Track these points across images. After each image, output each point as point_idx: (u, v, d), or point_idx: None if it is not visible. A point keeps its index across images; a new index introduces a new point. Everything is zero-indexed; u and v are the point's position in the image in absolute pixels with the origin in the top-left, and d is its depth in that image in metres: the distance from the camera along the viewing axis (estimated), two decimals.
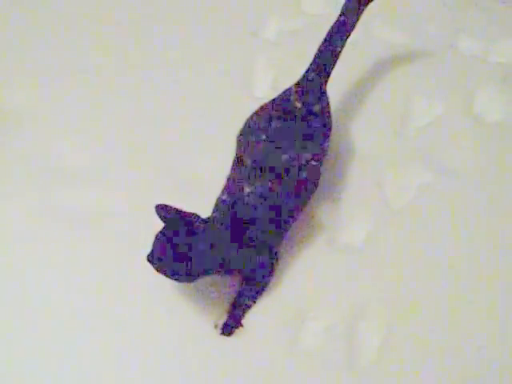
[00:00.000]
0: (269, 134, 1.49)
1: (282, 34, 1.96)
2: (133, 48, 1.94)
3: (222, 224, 1.39)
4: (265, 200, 1.43)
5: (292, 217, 1.48)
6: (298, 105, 1.54)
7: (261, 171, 1.45)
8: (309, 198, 1.52)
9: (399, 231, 1.56)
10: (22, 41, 1.96)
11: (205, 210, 1.47)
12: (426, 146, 1.70)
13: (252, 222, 1.42)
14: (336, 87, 1.80)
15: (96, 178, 1.67)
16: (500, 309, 1.44)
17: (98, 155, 1.71)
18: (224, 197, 1.45)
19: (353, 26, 1.64)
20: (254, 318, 1.45)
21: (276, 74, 1.87)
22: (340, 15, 1.64)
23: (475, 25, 1.95)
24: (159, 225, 1.41)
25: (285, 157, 1.47)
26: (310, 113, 1.53)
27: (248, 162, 1.47)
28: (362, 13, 1.66)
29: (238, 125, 1.59)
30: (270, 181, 1.44)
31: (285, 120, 1.51)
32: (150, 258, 1.36)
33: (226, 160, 1.56)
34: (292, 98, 1.55)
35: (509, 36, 1.92)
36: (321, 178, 1.54)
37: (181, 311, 1.46)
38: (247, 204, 1.42)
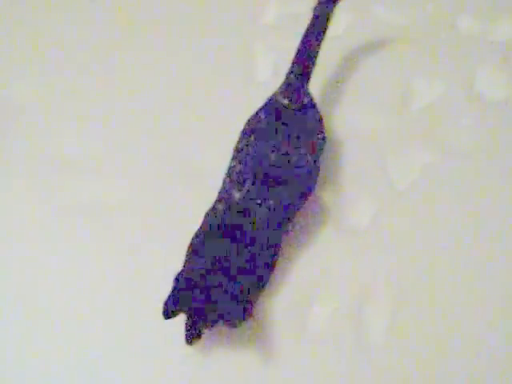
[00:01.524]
0: (257, 134, 1.45)
1: (281, 17, 1.96)
2: (132, 36, 1.94)
3: (217, 234, 1.34)
4: (260, 203, 1.38)
5: (292, 216, 1.44)
6: (285, 101, 1.50)
7: (252, 175, 1.40)
8: (309, 193, 1.48)
9: (404, 212, 1.57)
10: (24, 37, 1.97)
11: (206, 200, 1.48)
12: (427, 126, 1.70)
13: (247, 226, 1.36)
14: (335, 70, 1.80)
15: (98, 169, 1.68)
16: (508, 290, 1.45)
17: (100, 147, 1.72)
18: (216, 205, 1.40)
19: (328, 21, 1.60)
20: (260, 303, 1.46)
21: (277, 58, 1.87)
22: (313, 13, 1.59)
23: (475, 4, 1.95)
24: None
25: (277, 155, 1.42)
26: (299, 107, 1.50)
27: (238, 167, 1.42)
28: (335, 6, 1.61)
29: (241, 111, 1.59)
30: (263, 182, 1.39)
31: (274, 118, 1.47)
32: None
33: (229, 149, 1.56)
34: (278, 97, 1.51)
35: (509, 15, 1.92)
36: (324, 162, 1.54)
37: None
38: (240, 209, 1.37)
